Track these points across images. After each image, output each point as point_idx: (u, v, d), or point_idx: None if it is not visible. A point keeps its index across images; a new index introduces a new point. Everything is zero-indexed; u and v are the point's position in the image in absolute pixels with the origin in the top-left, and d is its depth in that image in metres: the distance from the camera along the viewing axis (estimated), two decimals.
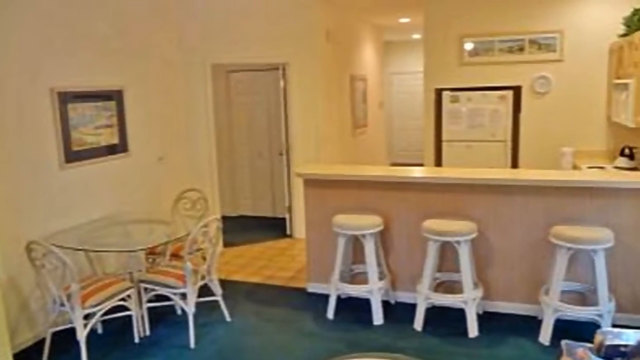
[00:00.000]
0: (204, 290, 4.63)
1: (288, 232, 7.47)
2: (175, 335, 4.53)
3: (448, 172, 4.89)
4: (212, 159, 6.75)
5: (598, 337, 2.77)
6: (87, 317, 4.03)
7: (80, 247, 4.32)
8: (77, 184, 4.91)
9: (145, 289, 4.47)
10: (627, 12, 5.74)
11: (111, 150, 5.31)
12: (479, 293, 4.49)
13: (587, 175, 4.64)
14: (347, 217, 4.75)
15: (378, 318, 4.66)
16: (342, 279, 4.90)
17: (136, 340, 4.43)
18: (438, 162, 7.27)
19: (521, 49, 6.77)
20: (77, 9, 4.90)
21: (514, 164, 6.95)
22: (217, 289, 4.71)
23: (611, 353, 2.68)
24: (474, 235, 4.37)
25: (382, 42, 10.90)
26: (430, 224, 4.43)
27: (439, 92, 7.16)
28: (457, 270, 4.47)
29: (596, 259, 4.03)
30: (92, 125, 5.05)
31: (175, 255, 4.97)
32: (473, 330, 4.35)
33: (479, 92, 6.87)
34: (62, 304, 4.00)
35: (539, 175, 4.52)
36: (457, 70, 7.09)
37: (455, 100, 6.96)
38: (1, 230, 4.17)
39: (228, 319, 4.78)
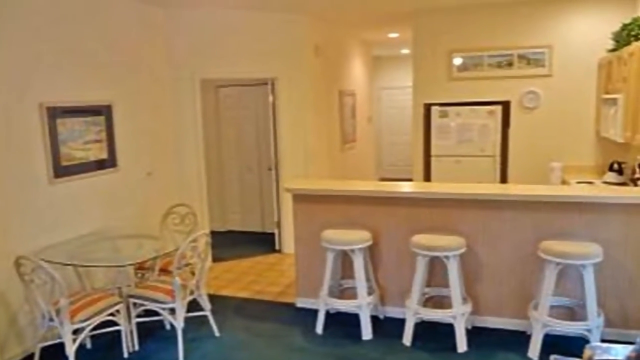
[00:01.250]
0: (193, 305, 4.61)
1: (277, 247, 7.46)
2: (164, 350, 4.50)
3: (437, 187, 4.92)
4: (201, 173, 6.73)
5: (587, 352, 2.78)
6: (76, 332, 4.00)
7: (69, 262, 4.30)
8: (66, 199, 4.89)
9: (134, 304, 4.45)
10: (616, 27, 5.77)
11: (100, 165, 5.29)
12: (468, 308, 4.50)
13: (576, 191, 4.67)
14: (336, 232, 4.75)
15: (367, 333, 4.65)
16: (331, 294, 4.89)
17: (125, 355, 4.39)
18: (427, 177, 7.28)
19: (510, 64, 6.81)
20: (66, 24, 4.90)
21: (503, 179, 6.97)
22: (206, 304, 4.70)
23: None
24: (462, 250, 4.38)
25: (371, 57, 10.95)
26: (419, 239, 4.44)
27: (427, 107, 7.19)
28: (446, 285, 4.47)
29: (585, 274, 4.05)
30: (81, 140, 5.03)
31: (164, 270, 4.95)
32: (462, 345, 4.35)
33: (467, 107, 6.90)
34: (51, 319, 3.97)
35: (527, 191, 4.55)
36: (446, 85, 7.12)
37: (444, 115, 7.00)
38: None
39: (217, 334, 4.76)
